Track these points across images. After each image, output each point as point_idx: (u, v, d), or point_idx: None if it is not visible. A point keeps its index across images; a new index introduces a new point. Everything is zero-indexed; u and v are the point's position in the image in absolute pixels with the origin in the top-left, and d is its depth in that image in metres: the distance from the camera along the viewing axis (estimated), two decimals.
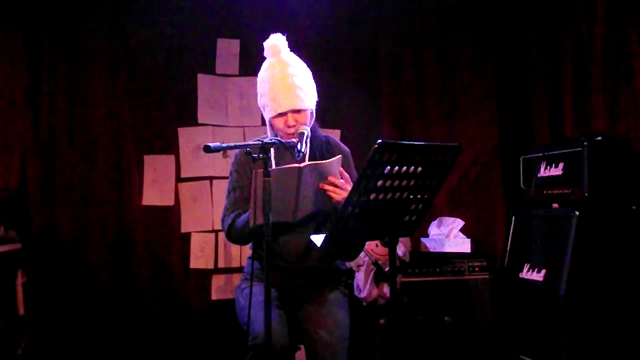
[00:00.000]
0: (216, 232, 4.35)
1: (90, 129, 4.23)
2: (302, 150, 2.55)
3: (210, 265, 4.36)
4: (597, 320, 3.21)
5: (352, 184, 2.45)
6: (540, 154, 3.69)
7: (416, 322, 3.94)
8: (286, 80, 2.69)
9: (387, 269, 3.48)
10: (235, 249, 4.34)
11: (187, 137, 4.35)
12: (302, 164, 2.47)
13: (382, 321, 3.78)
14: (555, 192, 3.56)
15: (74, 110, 4.21)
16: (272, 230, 2.30)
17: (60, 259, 4.12)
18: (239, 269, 4.29)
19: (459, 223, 4.29)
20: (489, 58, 4.59)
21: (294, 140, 2.58)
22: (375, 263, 3.61)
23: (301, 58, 2.81)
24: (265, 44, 2.77)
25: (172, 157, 4.35)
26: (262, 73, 2.79)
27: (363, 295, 3.70)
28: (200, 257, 4.35)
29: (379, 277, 3.66)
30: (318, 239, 2.57)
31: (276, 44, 2.75)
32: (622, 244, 3.30)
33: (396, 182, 2.23)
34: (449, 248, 4.20)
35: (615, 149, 3.42)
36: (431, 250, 4.29)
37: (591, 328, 3.21)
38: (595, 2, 3.87)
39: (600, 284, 3.24)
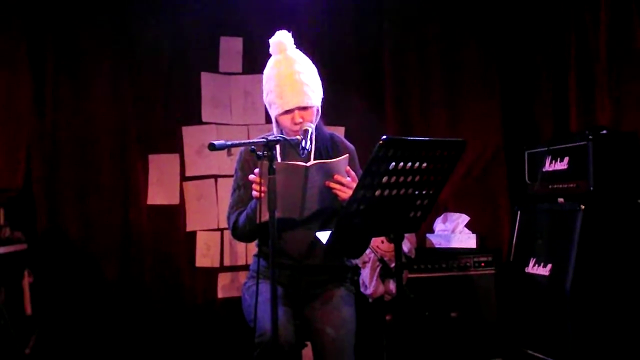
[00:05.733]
0: (222, 230, 4.36)
1: (95, 128, 4.24)
2: (307, 147, 2.55)
3: (216, 264, 4.37)
4: (603, 314, 3.21)
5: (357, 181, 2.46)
6: (545, 149, 3.68)
7: (422, 318, 3.94)
8: (293, 77, 2.69)
9: (393, 265, 3.49)
10: (241, 246, 4.35)
11: (192, 135, 4.36)
12: (309, 163, 2.47)
13: (388, 317, 3.78)
14: (560, 186, 3.56)
15: (78, 110, 4.21)
16: (278, 227, 2.31)
17: (66, 259, 4.13)
18: (245, 267, 4.30)
19: (465, 218, 4.29)
20: (493, 53, 4.57)
21: (298, 137, 2.58)
22: (381, 259, 3.62)
23: (305, 55, 2.81)
24: (271, 41, 2.77)
25: (176, 156, 4.35)
26: (268, 70, 2.79)
27: (369, 291, 3.70)
28: (206, 256, 4.36)
29: (385, 273, 3.66)
30: (324, 236, 2.57)
31: (282, 41, 2.75)
32: (627, 238, 3.30)
33: (401, 178, 2.23)
34: (454, 244, 4.20)
35: (620, 143, 3.41)
36: (437, 246, 4.29)
37: (597, 322, 3.21)
38: None
39: (606, 278, 3.24)
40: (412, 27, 4.57)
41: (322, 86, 2.81)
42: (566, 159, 3.52)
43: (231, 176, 2.96)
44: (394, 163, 2.16)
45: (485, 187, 4.57)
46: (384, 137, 2.11)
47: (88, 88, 4.23)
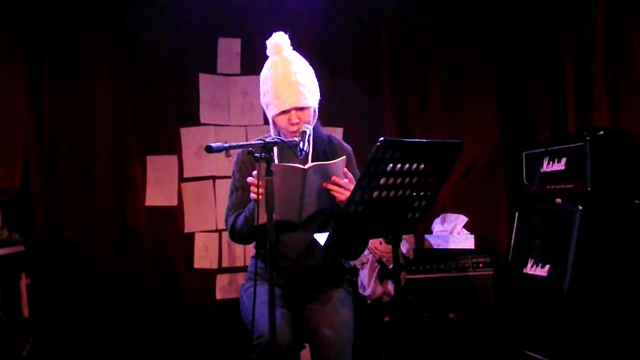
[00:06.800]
0: (220, 231, 4.35)
1: (93, 129, 4.23)
2: (305, 149, 2.55)
3: (215, 265, 4.37)
4: (601, 315, 3.21)
5: (355, 183, 2.46)
6: (542, 149, 3.68)
7: (421, 319, 3.94)
8: (289, 78, 2.69)
9: (391, 267, 3.49)
10: (239, 248, 4.35)
11: (190, 137, 4.35)
12: (306, 166, 2.47)
13: (386, 319, 3.78)
14: (558, 187, 3.56)
15: (76, 112, 4.21)
16: (276, 229, 2.30)
17: (64, 260, 4.13)
18: (243, 269, 4.29)
19: (463, 219, 4.29)
20: (490, 54, 4.58)
21: (296, 139, 2.57)
22: (379, 260, 3.62)
23: (303, 56, 2.81)
24: (268, 42, 2.78)
25: (174, 157, 4.35)
26: (265, 71, 2.79)
27: (367, 293, 3.70)
28: (204, 257, 4.35)
29: (383, 274, 3.66)
30: (321, 238, 2.57)
31: (279, 42, 2.75)
32: (625, 238, 3.30)
33: (399, 180, 2.23)
34: (452, 244, 4.20)
35: (617, 144, 3.42)
36: (435, 246, 4.28)
37: (595, 322, 3.21)
38: None
39: (604, 278, 3.24)
40: (410, 29, 4.57)
41: (320, 87, 2.81)
42: (564, 160, 3.52)
43: (229, 177, 2.96)
44: (391, 164, 2.16)
45: (483, 188, 4.58)
46: (382, 138, 2.10)
47: (86, 89, 4.23)
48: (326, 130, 2.97)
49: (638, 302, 3.23)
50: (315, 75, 2.81)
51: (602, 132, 3.40)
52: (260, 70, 2.82)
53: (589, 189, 3.33)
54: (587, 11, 3.93)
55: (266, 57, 2.81)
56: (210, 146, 2.27)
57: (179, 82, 4.35)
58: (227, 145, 2.33)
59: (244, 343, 2.69)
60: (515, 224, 3.79)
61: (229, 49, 4.42)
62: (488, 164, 4.57)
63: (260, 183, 2.39)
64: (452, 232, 4.26)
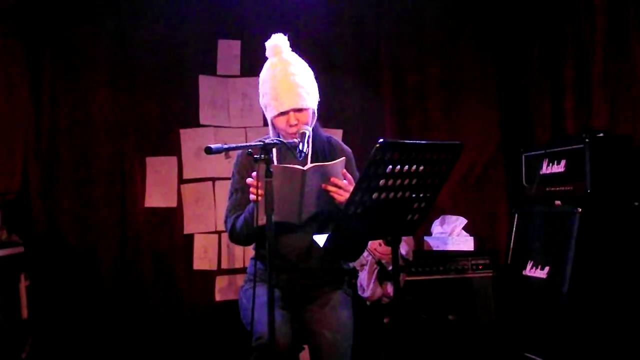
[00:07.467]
0: (219, 233, 4.36)
1: (92, 131, 4.24)
2: (304, 150, 2.55)
3: (214, 267, 4.37)
4: (601, 317, 3.21)
5: (354, 184, 2.46)
6: (542, 151, 3.68)
7: (420, 320, 3.94)
8: (288, 79, 2.69)
9: (390, 268, 3.49)
10: (238, 249, 4.35)
11: (189, 138, 4.36)
12: (306, 167, 2.47)
13: (386, 320, 3.78)
14: (557, 189, 3.56)
15: (75, 113, 4.22)
16: (275, 230, 2.30)
17: (63, 262, 4.13)
18: (243, 270, 4.29)
19: (462, 221, 4.29)
20: (490, 56, 4.57)
21: (295, 140, 2.57)
22: (378, 262, 3.62)
23: (302, 58, 2.81)
24: (267, 44, 2.78)
25: (174, 159, 4.35)
26: (263, 73, 2.79)
27: (367, 294, 3.70)
28: (203, 258, 4.35)
29: (383, 276, 3.66)
30: (321, 239, 2.57)
31: (277, 43, 2.76)
32: (624, 240, 3.30)
33: (398, 181, 2.23)
34: (452, 246, 4.20)
35: (617, 146, 3.42)
36: (434, 248, 4.28)
37: (595, 324, 3.21)
38: None
39: (604, 280, 3.24)
40: (410, 31, 4.56)
41: (320, 89, 2.81)
42: (563, 162, 3.53)
43: (229, 179, 2.96)
44: (391, 166, 2.16)
45: (483, 190, 4.57)
46: (381, 140, 2.11)
47: (85, 91, 4.23)
48: (326, 132, 2.97)
49: (638, 303, 3.23)
50: (315, 76, 2.81)
51: (601, 134, 3.41)
52: (260, 72, 2.82)
53: (589, 191, 3.33)
54: (587, 13, 3.93)
55: (265, 59, 2.81)
56: (210, 147, 2.27)
57: (178, 83, 4.35)
58: (226, 146, 2.34)
59: (243, 344, 2.69)
60: (514, 226, 3.79)
61: (229, 51, 4.42)
62: (487, 166, 4.56)
63: (259, 184, 2.39)
64: (452, 234, 4.26)
